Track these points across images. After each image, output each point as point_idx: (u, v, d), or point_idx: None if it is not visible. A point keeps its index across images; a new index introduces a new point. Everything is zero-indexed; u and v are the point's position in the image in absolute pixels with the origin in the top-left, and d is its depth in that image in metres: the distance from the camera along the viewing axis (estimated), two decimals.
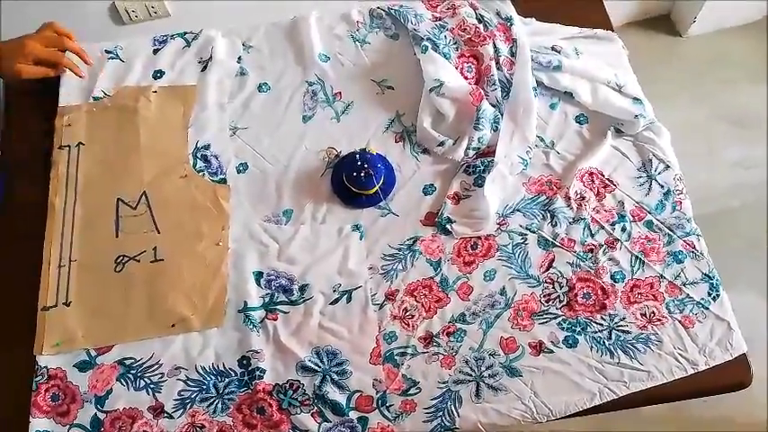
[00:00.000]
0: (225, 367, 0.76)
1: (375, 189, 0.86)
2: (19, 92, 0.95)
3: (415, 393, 0.75)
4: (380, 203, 0.86)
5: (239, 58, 0.97)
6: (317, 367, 0.76)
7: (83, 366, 0.76)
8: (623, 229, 0.83)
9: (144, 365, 0.76)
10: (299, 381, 0.75)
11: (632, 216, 0.84)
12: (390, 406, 0.74)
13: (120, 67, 0.96)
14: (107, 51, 0.97)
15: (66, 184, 0.86)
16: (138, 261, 0.81)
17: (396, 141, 0.92)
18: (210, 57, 0.96)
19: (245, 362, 0.76)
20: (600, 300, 0.79)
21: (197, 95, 0.93)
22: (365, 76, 0.97)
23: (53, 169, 0.88)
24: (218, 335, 0.78)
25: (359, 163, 0.85)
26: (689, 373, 0.75)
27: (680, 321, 0.78)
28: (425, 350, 0.77)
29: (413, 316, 0.79)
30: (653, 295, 0.79)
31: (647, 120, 0.89)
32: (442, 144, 0.89)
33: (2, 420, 0.74)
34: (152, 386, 0.75)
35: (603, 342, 0.77)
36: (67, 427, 0.73)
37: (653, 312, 0.78)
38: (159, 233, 0.83)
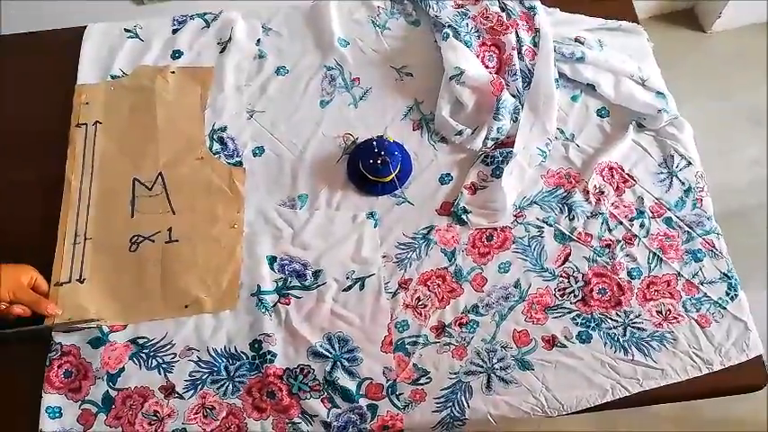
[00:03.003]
0: (236, 350, 0.76)
1: (391, 177, 0.85)
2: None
3: (426, 383, 0.75)
4: (396, 191, 0.86)
5: (258, 40, 0.96)
6: (328, 353, 0.76)
7: (96, 343, 0.76)
8: (642, 226, 0.82)
9: (157, 345, 0.76)
10: (309, 366, 0.75)
11: (651, 212, 0.83)
12: (400, 395, 0.74)
13: (138, 47, 0.95)
14: (126, 30, 0.96)
15: (82, 162, 0.86)
16: (153, 241, 0.81)
17: (413, 129, 0.91)
18: (230, 38, 0.95)
19: (256, 345, 0.76)
20: (615, 296, 0.78)
21: (215, 77, 0.93)
22: (384, 62, 0.96)
23: (70, 147, 0.88)
24: (231, 318, 0.78)
25: (376, 150, 0.84)
26: (703, 372, 0.74)
27: (696, 320, 0.77)
28: (437, 340, 0.77)
29: (425, 305, 0.79)
30: (669, 293, 0.78)
31: (671, 114, 0.88)
32: (460, 133, 0.88)
33: (15, 395, 0.74)
34: (164, 366, 0.75)
35: (618, 338, 0.76)
36: (79, 403, 0.74)
37: (669, 310, 0.77)
38: (174, 214, 0.83)
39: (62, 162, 0.87)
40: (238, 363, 0.76)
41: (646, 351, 0.75)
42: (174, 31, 0.97)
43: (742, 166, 1.55)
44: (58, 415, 0.73)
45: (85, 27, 0.97)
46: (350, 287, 0.80)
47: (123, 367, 0.75)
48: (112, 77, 0.93)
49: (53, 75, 0.93)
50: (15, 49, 0.97)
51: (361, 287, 0.80)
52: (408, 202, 0.85)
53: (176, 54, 0.95)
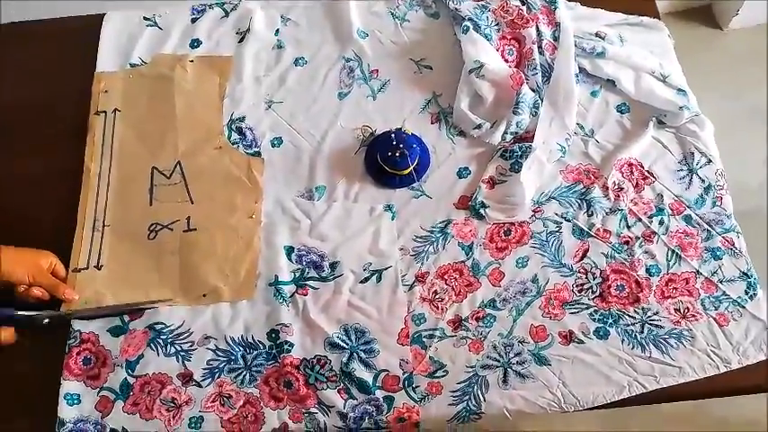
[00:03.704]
0: (254, 339, 0.77)
1: (409, 170, 0.85)
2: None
3: (442, 376, 0.75)
4: (414, 184, 0.86)
5: (277, 30, 0.96)
6: (344, 344, 0.76)
7: (116, 331, 0.77)
8: (661, 223, 0.82)
9: (175, 332, 0.76)
10: (326, 357, 0.76)
11: (671, 209, 0.83)
12: (416, 387, 0.74)
13: (157, 35, 0.95)
14: (145, 18, 0.96)
15: (101, 149, 0.87)
16: (172, 230, 0.82)
17: (432, 122, 0.90)
18: (248, 28, 0.95)
19: (273, 335, 0.77)
20: (634, 292, 0.78)
21: (233, 67, 0.92)
22: (403, 54, 0.95)
23: (89, 134, 0.88)
24: (248, 307, 0.78)
25: (394, 143, 0.84)
26: (721, 371, 0.74)
27: (714, 318, 0.77)
28: (454, 334, 0.77)
29: (442, 299, 0.79)
30: (688, 291, 0.78)
31: (692, 112, 0.87)
32: (478, 127, 0.88)
33: (36, 382, 0.74)
34: (182, 353, 0.75)
35: (635, 335, 0.76)
36: (97, 390, 0.74)
37: (687, 308, 0.77)
38: (193, 203, 0.83)
39: (80, 149, 0.87)
40: (255, 352, 0.76)
41: (663, 348, 0.75)
42: (193, 20, 0.96)
43: (756, 166, 1.53)
44: (76, 401, 0.73)
45: (104, 14, 0.96)
46: (367, 279, 0.80)
47: (142, 354, 0.75)
48: (131, 65, 0.93)
49: (71, 61, 0.93)
50: (34, 34, 0.97)
51: (378, 279, 0.80)
52: (426, 195, 0.85)
53: (195, 43, 0.95)
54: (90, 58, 0.93)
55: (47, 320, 0.75)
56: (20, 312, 0.73)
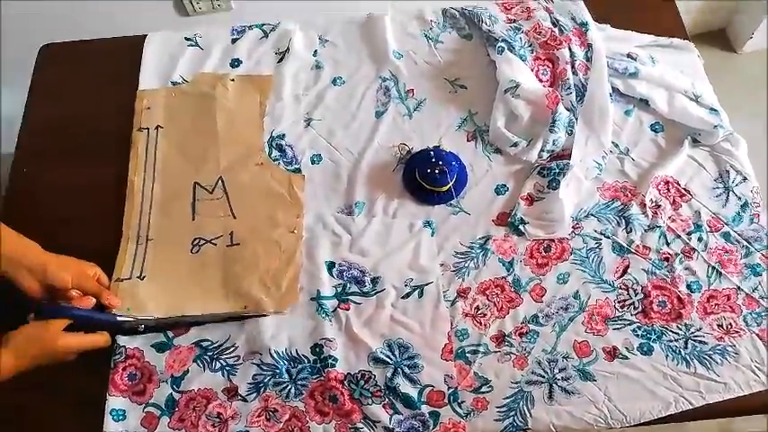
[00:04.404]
0: (298, 354, 0.77)
1: (448, 186, 0.86)
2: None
3: (487, 392, 0.75)
4: (452, 201, 0.87)
5: (315, 51, 0.98)
6: (388, 359, 0.76)
7: (160, 347, 0.77)
8: (700, 239, 0.83)
9: (221, 347, 0.77)
10: (370, 372, 0.76)
11: (709, 226, 0.84)
12: (462, 402, 0.74)
13: (198, 55, 0.98)
14: (186, 39, 0.99)
15: (144, 164, 0.88)
16: (215, 245, 0.82)
17: (468, 140, 0.92)
18: (288, 49, 0.97)
19: (317, 349, 0.77)
20: (676, 308, 0.78)
21: (273, 85, 0.94)
22: (438, 74, 0.97)
23: (132, 149, 0.89)
24: (292, 322, 0.78)
25: (433, 160, 0.86)
26: (767, 386, 0.74)
27: (757, 334, 0.77)
28: (497, 349, 0.77)
29: (485, 315, 0.79)
30: (730, 307, 0.79)
31: (726, 130, 0.88)
32: (515, 145, 0.89)
33: (83, 397, 0.74)
34: (227, 368, 0.75)
35: (679, 351, 0.76)
36: (143, 406, 0.74)
37: (730, 324, 0.77)
38: (235, 218, 0.84)
39: (124, 164, 0.88)
40: (300, 366, 0.76)
41: (708, 364, 0.75)
42: (233, 41, 0.99)
43: None
44: (122, 417, 0.73)
45: (146, 35, 0.99)
46: (408, 294, 0.80)
47: (187, 369, 0.75)
48: (173, 84, 0.95)
49: (116, 79, 0.95)
50: (82, 53, 0.99)
51: (420, 295, 0.80)
52: (464, 211, 0.86)
53: (235, 62, 0.97)
54: (133, 77, 0.95)
55: (142, 327, 0.76)
56: (120, 318, 0.74)
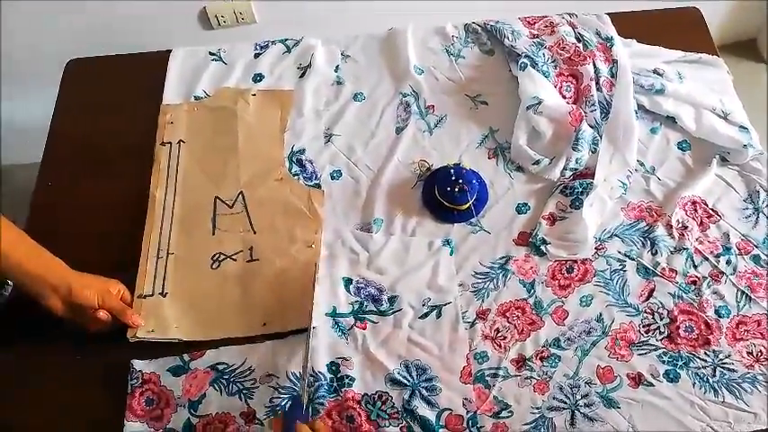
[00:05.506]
0: (314, 371, 0.76)
1: (468, 205, 0.85)
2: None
3: (507, 417, 0.73)
4: (472, 220, 0.85)
5: (337, 66, 0.98)
6: (406, 381, 0.75)
7: (176, 371, 0.76)
8: (728, 262, 0.80)
9: (237, 371, 0.76)
10: (387, 393, 0.75)
11: (738, 249, 0.81)
12: (481, 427, 0.73)
13: (221, 69, 0.98)
14: (210, 53, 0.99)
15: (166, 179, 0.89)
16: (235, 260, 0.82)
17: (489, 157, 0.91)
18: (309, 64, 0.97)
19: (334, 368, 0.76)
20: (703, 334, 0.76)
21: (294, 101, 0.95)
22: (459, 90, 0.96)
23: (155, 164, 0.90)
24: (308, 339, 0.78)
25: (453, 177, 0.85)
26: None
27: None
28: (518, 373, 0.75)
29: (505, 337, 0.77)
30: (760, 333, 0.76)
31: (756, 150, 0.86)
32: (537, 162, 0.88)
33: (100, 423, 0.74)
34: (244, 392, 0.75)
35: (707, 379, 0.73)
36: (161, 431, 0.73)
37: (760, 351, 0.75)
38: (255, 233, 0.84)
39: (146, 178, 0.89)
40: (317, 384, 0.75)
41: (737, 393, 0.73)
42: (256, 56, 0.99)
43: None
44: None
45: (170, 51, 1.00)
46: (426, 315, 0.79)
47: (204, 393, 0.75)
48: (196, 98, 0.96)
49: (140, 94, 0.97)
50: (107, 68, 1.01)
51: (438, 315, 0.79)
52: (484, 230, 0.85)
53: (257, 77, 0.97)
54: (158, 91, 0.96)
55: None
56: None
